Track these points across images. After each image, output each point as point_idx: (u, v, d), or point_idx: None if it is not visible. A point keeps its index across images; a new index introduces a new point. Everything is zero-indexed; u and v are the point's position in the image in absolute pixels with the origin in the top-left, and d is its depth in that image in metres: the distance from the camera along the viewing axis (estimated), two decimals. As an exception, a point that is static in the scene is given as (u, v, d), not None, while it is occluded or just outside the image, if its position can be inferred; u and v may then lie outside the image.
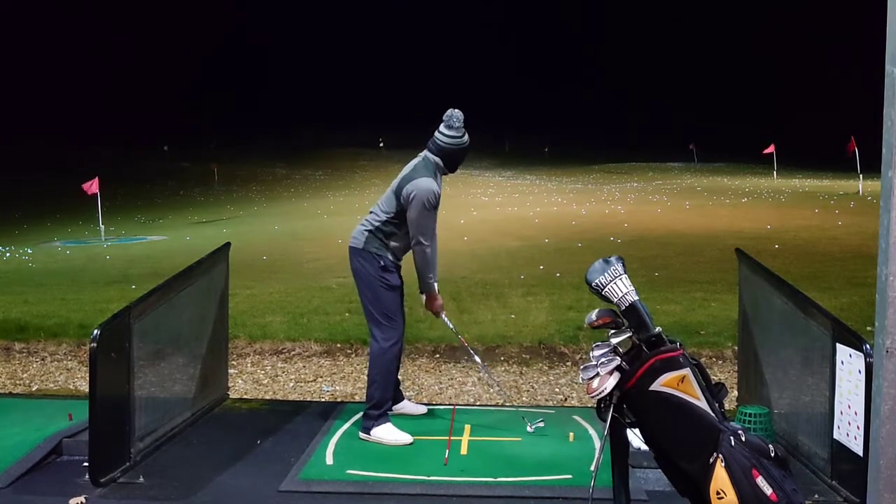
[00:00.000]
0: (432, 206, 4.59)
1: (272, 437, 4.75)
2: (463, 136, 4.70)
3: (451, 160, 4.73)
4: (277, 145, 57.66)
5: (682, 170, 42.19)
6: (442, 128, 4.69)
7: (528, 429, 4.79)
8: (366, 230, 4.73)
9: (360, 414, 5.04)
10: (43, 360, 7.66)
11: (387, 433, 4.64)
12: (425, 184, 4.57)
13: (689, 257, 12.65)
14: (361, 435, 4.69)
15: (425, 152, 4.76)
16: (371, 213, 4.79)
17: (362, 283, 4.73)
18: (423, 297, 4.87)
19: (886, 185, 2.40)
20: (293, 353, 7.63)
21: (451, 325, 5.11)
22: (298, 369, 7.23)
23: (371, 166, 46.89)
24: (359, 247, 4.72)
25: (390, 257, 4.71)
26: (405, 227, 4.66)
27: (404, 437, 4.63)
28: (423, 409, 5.19)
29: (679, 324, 7.87)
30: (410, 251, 4.75)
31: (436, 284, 4.83)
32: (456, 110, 4.71)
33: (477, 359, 5.33)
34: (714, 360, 7.10)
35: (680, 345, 3.07)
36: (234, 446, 4.58)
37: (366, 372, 6.99)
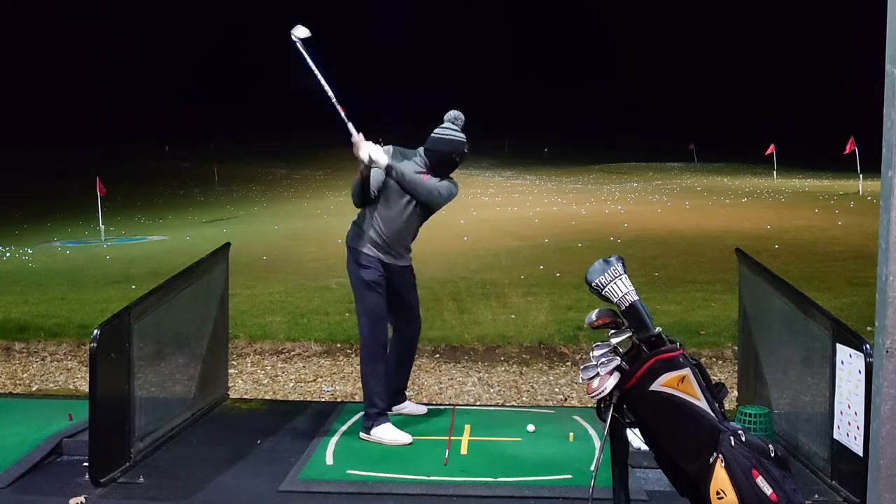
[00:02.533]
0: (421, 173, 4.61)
1: (272, 437, 4.75)
2: (458, 132, 4.70)
3: (444, 156, 4.67)
4: (277, 145, 57.65)
5: (682, 170, 42.19)
6: (444, 124, 4.73)
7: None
8: (351, 224, 4.80)
9: (361, 414, 5.05)
10: (43, 360, 7.66)
11: (386, 433, 4.63)
12: (415, 160, 4.67)
13: (689, 257, 12.65)
14: (361, 435, 4.69)
15: (420, 150, 4.78)
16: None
17: (349, 279, 4.79)
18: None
19: (886, 185, 2.40)
20: (293, 353, 7.63)
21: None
22: (298, 369, 7.23)
23: (371, 166, 46.76)
24: (347, 243, 4.78)
25: (366, 250, 4.65)
26: (375, 207, 4.64)
27: (404, 437, 4.62)
28: (423, 410, 5.18)
29: (679, 324, 7.87)
30: (398, 237, 4.69)
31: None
32: (455, 111, 4.73)
33: None
34: (714, 360, 7.10)
35: (680, 345, 3.07)
36: (234, 446, 4.58)
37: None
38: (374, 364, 4.70)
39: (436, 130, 4.71)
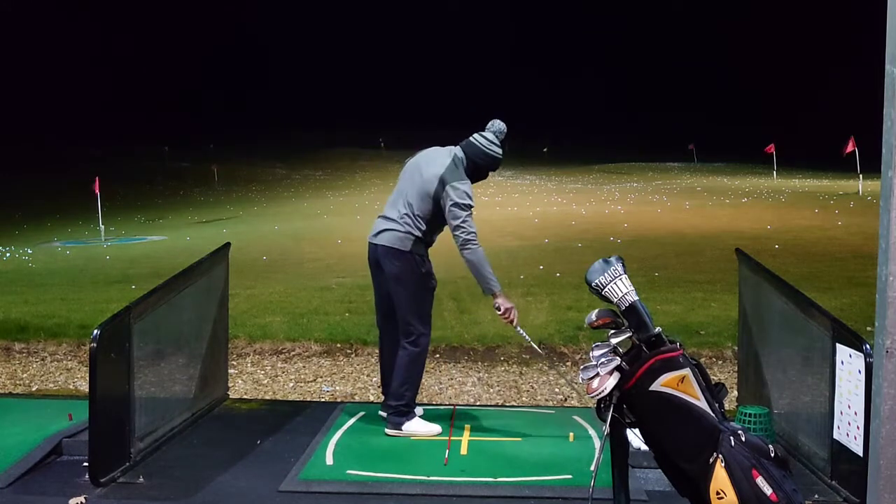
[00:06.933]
0: (471, 204, 4.57)
1: (272, 437, 4.75)
2: (500, 148, 4.69)
3: (476, 168, 4.68)
4: (277, 145, 57.65)
5: (682, 170, 42.19)
6: (487, 134, 4.68)
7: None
8: (407, 233, 4.62)
9: (361, 414, 5.09)
10: (43, 360, 7.66)
11: (419, 426, 4.72)
12: (467, 184, 4.56)
13: (689, 257, 12.64)
14: (389, 431, 4.70)
15: (456, 150, 4.71)
16: (405, 215, 4.65)
17: (405, 285, 4.65)
18: (497, 301, 4.64)
19: (886, 185, 2.40)
20: (293, 353, 7.62)
21: (526, 336, 4.80)
22: (298, 369, 7.23)
23: (371, 166, 46.91)
24: (405, 249, 4.62)
25: (426, 256, 4.72)
26: (434, 226, 4.67)
27: (435, 428, 4.72)
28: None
29: (679, 324, 7.87)
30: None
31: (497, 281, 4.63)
32: (502, 123, 4.70)
33: (536, 348, 5.13)
34: (714, 360, 7.09)
35: (680, 345, 3.07)
36: (234, 446, 4.58)
37: (366, 372, 7.04)
38: (423, 366, 4.80)
39: (481, 140, 4.66)
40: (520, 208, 23.01)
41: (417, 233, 4.62)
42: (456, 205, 4.50)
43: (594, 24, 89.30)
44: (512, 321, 4.67)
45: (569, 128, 65.69)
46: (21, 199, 31.44)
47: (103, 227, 19.53)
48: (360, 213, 22.13)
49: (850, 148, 23.71)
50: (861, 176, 24.98)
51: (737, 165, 42.73)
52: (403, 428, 4.71)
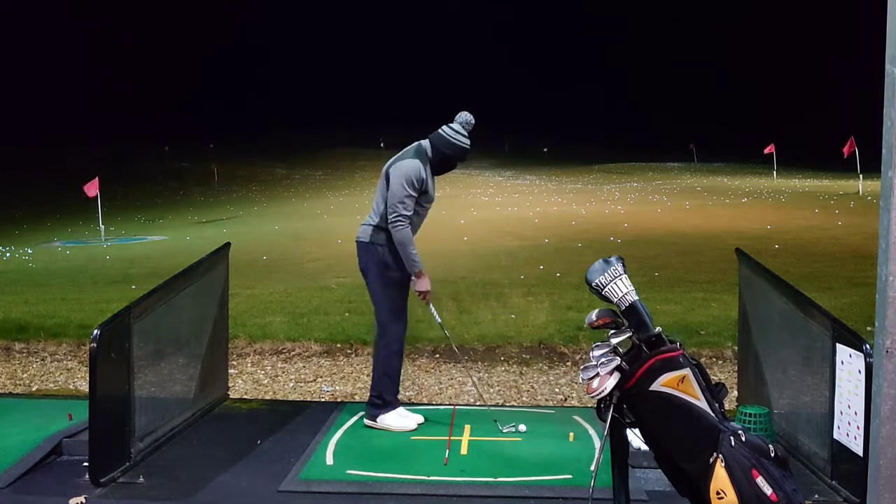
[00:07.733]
0: (413, 185, 4.59)
1: (272, 437, 4.75)
2: (466, 138, 4.76)
3: (444, 157, 4.74)
4: (277, 145, 57.69)
5: (682, 170, 42.22)
6: (454, 125, 4.76)
7: (521, 427, 4.82)
8: (369, 224, 4.74)
9: (361, 414, 5.06)
10: (43, 360, 7.66)
11: (394, 420, 4.75)
12: (412, 164, 4.63)
13: (689, 257, 12.65)
14: (367, 422, 4.76)
15: (424, 142, 4.80)
16: (372, 208, 4.80)
17: (371, 277, 4.75)
18: (417, 280, 4.71)
19: (886, 185, 2.40)
20: (293, 353, 7.62)
21: (438, 318, 4.96)
22: (298, 369, 7.23)
23: (371, 166, 46.92)
24: (366, 241, 4.73)
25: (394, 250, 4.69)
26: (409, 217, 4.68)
27: (410, 424, 4.74)
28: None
29: (679, 324, 7.87)
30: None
31: (420, 262, 4.69)
32: (469, 114, 4.77)
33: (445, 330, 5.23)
34: (714, 360, 7.09)
35: (680, 345, 3.07)
36: (234, 446, 4.58)
37: (366, 372, 7.03)
38: (396, 359, 4.80)
39: (447, 131, 4.74)
40: (520, 208, 23.03)
41: (379, 220, 4.69)
42: (397, 183, 4.60)
43: (594, 24, 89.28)
44: (428, 302, 4.81)
45: (569, 128, 65.71)
46: (21, 199, 31.47)
47: (103, 227, 19.54)
48: (360, 213, 22.07)
49: (849, 149, 23.75)
50: (861, 176, 25.00)
51: (737, 165, 42.77)
52: (378, 420, 4.77)
